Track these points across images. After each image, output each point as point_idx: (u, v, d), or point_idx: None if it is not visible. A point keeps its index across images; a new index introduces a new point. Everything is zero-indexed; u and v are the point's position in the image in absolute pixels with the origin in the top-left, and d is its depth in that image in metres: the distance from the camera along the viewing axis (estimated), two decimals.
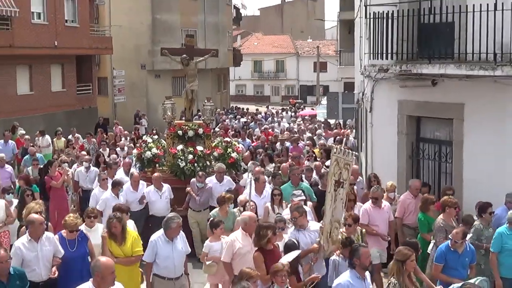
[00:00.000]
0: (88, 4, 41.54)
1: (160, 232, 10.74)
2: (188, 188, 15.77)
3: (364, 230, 12.09)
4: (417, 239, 12.24)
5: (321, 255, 10.77)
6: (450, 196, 12.34)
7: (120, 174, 17.33)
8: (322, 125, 35.70)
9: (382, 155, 16.57)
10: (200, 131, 17.64)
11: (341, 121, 34.87)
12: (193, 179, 15.87)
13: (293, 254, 9.59)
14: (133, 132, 33.12)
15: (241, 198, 13.89)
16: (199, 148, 17.29)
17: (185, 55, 17.98)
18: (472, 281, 8.13)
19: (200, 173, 15.90)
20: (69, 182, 18.22)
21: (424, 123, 15.32)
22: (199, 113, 21.64)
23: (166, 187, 15.73)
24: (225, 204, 13.32)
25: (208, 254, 11.74)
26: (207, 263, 11.68)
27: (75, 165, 20.17)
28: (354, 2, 24.80)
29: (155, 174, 16.00)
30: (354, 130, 30.54)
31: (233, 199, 13.95)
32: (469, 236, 11.43)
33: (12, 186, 16.27)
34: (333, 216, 10.55)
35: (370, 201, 13.16)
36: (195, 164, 16.88)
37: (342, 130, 31.41)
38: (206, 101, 19.10)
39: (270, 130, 32.60)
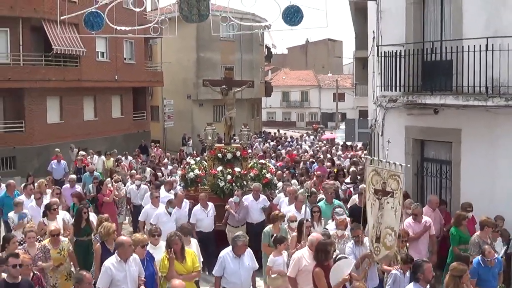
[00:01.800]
0: (143, 45, 42.10)
1: (229, 248, 10.28)
2: (227, 206, 15.18)
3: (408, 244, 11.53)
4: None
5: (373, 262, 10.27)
6: (488, 217, 11.56)
7: (162, 193, 16.57)
8: (340, 147, 35.72)
9: None
10: (238, 154, 17.02)
11: (359, 144, 34.84)
12: (231, 199, 15.28)
13: (350, 264, 9.12)
14: (178, 154, 33.04)
15: (290, 215, 12.99)
16: (237, 169, 16.71)
17: (224, 86, 17.58)
18: None
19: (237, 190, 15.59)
20: (119, 197, 17.91)
21: (427, 145, 15.31)
22: (234, 137, 21.01)
23: (210, 205, 15.00)
24: (277, 222, 12.47)
25: (272, 267, 10.99)
26: (272, 276, 11.00)
27: (128, 183, 19.68)
28: (367, 42, 24.88)
29: (202, 194, 15.30)
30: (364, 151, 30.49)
31: (284, 217, 12.95)
32: (503, 249, 11.35)
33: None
34: (380, 223, 9.96)
35: (411, 216, 12.56)
36: (233, 184, 16.28)
37: (356, 152, 31.22)
38: (243, 126, 18.23)
39: (294, 152, 32.52)
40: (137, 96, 42.52)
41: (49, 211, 13.25)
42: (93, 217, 13.82)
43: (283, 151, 33.46)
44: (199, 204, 14.97)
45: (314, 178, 18.85)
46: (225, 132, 18.13)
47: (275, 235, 11.77)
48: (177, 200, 15.06)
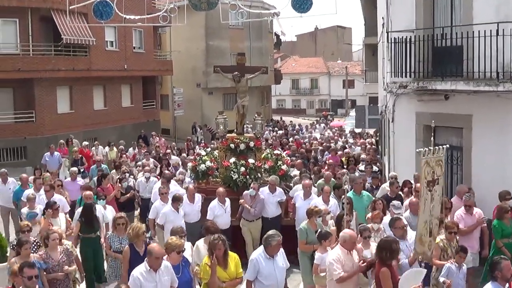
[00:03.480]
0: (152, 33, 42.08)
1: (260, 249, 9.37)
2: (242, 200, 14.44)
3: (458, 237, 11.03)
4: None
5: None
6: None
7: (172, 187, 15.96)
8: (351, 134, 35.60)
9: (403, 158, 16.56)
10: (251, 144, 16.06)
11: (370, 131, 34.75)
12: (246, 192, 14.54)
13: (422, 273, 8.61)
14: (185, 144, 32.41)
15: (322, 208, 12.21)
16: (251, 161, 15.73)
17: (236, 72, 16.66)
18: None
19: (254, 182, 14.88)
20: (118, 196, 16.60)
21: (438, 131, 15.26)
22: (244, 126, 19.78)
23: (227, 201, 14.11)
24: (313, 217, 11.68)
25: (320, 265, 10.30)
26: (321, 274, 10.22)
27: (140, 174, 19.03)
28: (377, 28, 24.80)
29: (220, 189, 14.24)
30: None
31: (321, 212, 11.97)
32: None
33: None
34: (432, 215, 9.41)
35: (463, 208, 11.93)
36: (247, 176, 15.38)
37: (362, 140, 30.90)
38: (256, 115, 17.41)
39: (301, 140, 32.31)
40: (147, 85, 42.57)
41: (51, 209, 12.69)
42: (110, 212, 13.49)
43: (290, 139, 33.31)
44: (216, 200, 14.07)
45: (326, 167, 18.62)
46: (237, 121, 17.04)
47: (319, 230, 11.16)
48: (189, 194, 14.46)
